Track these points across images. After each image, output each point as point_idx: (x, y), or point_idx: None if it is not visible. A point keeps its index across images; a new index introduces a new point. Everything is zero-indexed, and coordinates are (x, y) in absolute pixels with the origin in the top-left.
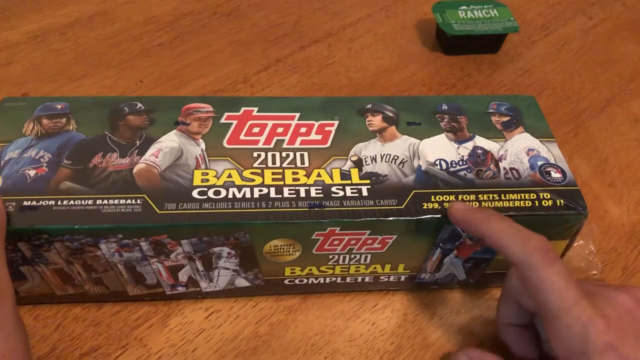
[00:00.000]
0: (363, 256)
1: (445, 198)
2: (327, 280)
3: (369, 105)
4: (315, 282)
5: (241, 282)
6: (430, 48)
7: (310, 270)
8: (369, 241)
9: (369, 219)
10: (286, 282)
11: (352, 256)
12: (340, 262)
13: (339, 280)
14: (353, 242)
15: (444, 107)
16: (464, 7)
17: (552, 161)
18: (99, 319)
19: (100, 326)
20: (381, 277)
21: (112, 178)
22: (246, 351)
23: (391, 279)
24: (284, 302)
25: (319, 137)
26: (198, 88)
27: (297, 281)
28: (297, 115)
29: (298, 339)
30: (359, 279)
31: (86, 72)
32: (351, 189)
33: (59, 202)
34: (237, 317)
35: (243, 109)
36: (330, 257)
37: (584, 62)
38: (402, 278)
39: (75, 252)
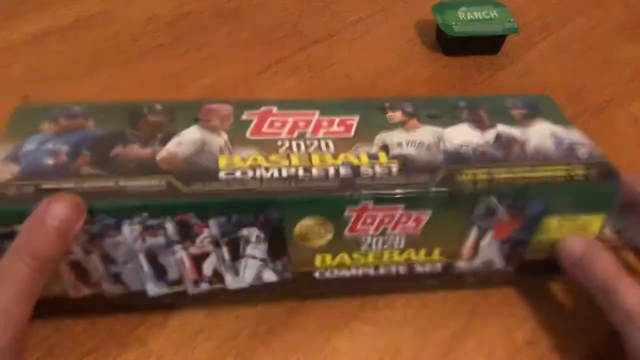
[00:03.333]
0: (397, 238)
1: (478, 171)
2: (360, 272)
3: (387, 104)
4: (347, 275)
5: (268, 276)
6: (431, 49)
7: (342, 258)
8: (404, 219)
9: (403, 190)
10: (316, 275)
11: (386, 238)
12: (374, 246)
13: (372, 272)
14: (387, 220)
15: (462, 103)
16: (464, 8)
17: (576, 140)
18: (99, 319)
19: (99, 326)
20: (416, 268)
21: (134, 163)
22: (246, 351)
23: (427, 269)
24: (284, 301)
25: (342, 129)
26: (199, 88)
27: (327, 274)
28: (317, 112)
29: (298, 339)
30: (393, 271)
31: (86, 73)
32: (380, 167)
33: (80, 184)
34: (237, 317)
35: (263, 107)
36: (364, 239)
37: (584, 62)
38: (439, 267)
39: (95, 237)
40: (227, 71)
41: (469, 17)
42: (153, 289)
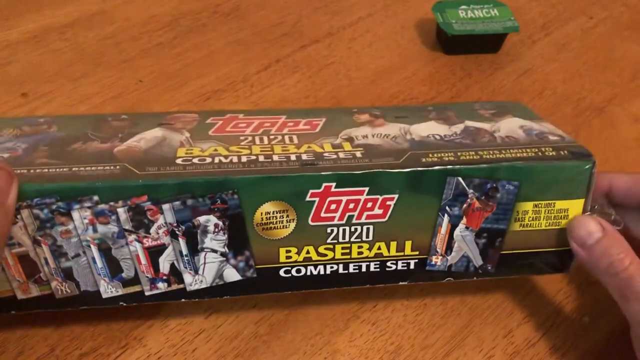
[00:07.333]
0: (365, 229)
1: (444, 154)
2: (328, 269)
3: (355, 110)
4: (314, 272)
5: (231, 274)
6: (431, 48)
7: (308, 253)
8: (369, 204)
9: (366, 171)
10: (282, 272)
11: (353, 229)
12: (340, 238)
13: (341, 269)
14: (352, 206)
15: (430, 107)
16: (464, 7)
17: (547, 130)
18: (99, 319)
19: (99, 326)
20: (388, 265)
21: (91, 154)
22: (246, 351)
23: (399, 266)
24: (284, 302)
25: (308, 127)
26: (198, 87)
27: (294, 271)
28: (284, 116)
29: (298, 339)
30: (364, 267)
31: (85, 72)
32: (344, 153)
33: (32, 170)
34: (237, 317)
35: (228, 114)
36: (329, 230)
37: (584, 61)
38: (412, 265)
39: (45, 224)
40: (227, 70)
41: (469, 16)
42: (107, 289)
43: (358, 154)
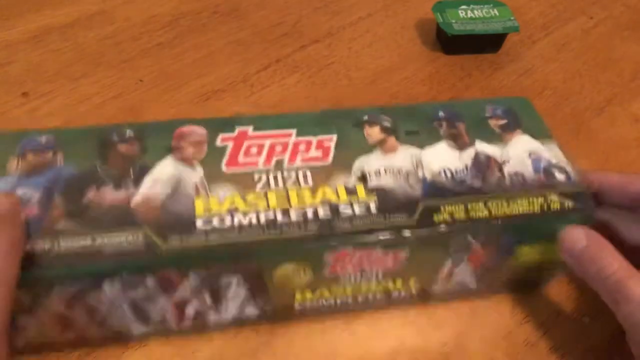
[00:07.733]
0: (375, 275)
1: (455, 208)
2: (339, 302)
3: (366, 117)
4: (325, 304)
5: (251, 311)
6: (431, 48)
7: (321, 293)
8: (381, 258)
9: (381, 238)
10: (297, 306)
11: (365, 276)
12: (353, 282)
13: (350, 300)
14: (365, 260)
15: (441, 113)
16: (464, 7)
17: (554, 162)
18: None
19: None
20: (393, 294)
21: (110, 214)
22: (247, 352)
23: (402, 294)
24: None
25: (319, 153)
26: (198, 87)
27: (307, 305)
28: (294, 131)
29: (298, 340)
30: (371, 298)
31: (85, 72)
32: (359, 206)
33: (56, 245)
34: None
35: (237, 129)
36: (343, 278)
37: (584, 61)
38: (414, 291)
39: (77, 295)
40: (227, 70)
41: (469, 16)
42: (137, 328)
43: (372, 207)
